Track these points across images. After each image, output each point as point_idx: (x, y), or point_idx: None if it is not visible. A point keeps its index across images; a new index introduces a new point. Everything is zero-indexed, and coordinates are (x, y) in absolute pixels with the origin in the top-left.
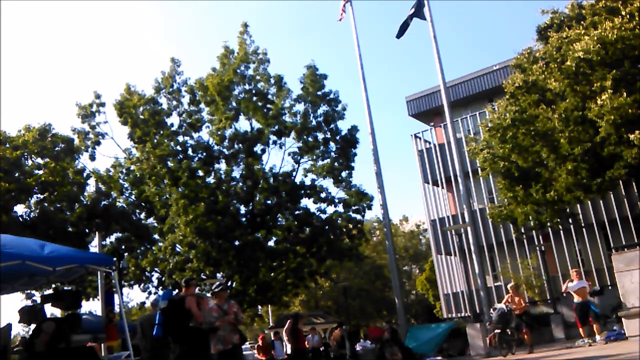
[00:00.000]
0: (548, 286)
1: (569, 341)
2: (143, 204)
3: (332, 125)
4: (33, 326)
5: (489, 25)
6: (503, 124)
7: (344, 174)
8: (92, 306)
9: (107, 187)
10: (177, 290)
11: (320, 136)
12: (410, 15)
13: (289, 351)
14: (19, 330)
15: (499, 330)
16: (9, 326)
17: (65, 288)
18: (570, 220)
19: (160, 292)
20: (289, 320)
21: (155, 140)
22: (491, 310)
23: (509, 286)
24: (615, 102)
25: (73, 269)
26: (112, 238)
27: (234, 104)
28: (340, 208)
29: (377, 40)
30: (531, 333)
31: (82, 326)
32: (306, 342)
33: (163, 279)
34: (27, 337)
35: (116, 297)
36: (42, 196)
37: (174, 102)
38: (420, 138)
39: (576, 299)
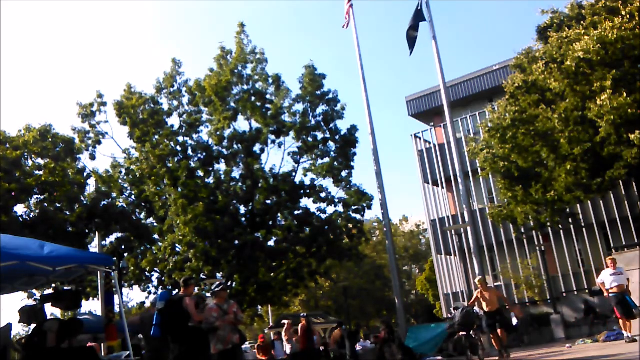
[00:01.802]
0: (548, 286)
1: (569, 341)
2: (143, 204)
3: (331, 125)
4: (33, 326)
5: (489, 25)
6: (503, 124)
7: (343, 173)
8: (92, 306)
9: (107, 187)
10: (176, 290)
11: (320, 136)
12: (411, 27)
13: (288, 351)
14: (19, 330)
15: (463, 333)
16: (9, 326)
17: (65, 288)
18: (570, 220)
19: (156, 293)
20: (288, 321)
21: (155, 140)
22: (452, 309)
23: (476, 280)
24: (615, 102)
25: (73, 269)
26: (112, 238)
27: (232, 104)
28: (340, 208)
29: (377, 40)
30: (507, 335)
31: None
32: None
33: (163, 279)
34: (26, 337)
35: (116, 297)
36: (42, 196)
37: (175, 103)
38: (420, 138)
39: (614, 290)
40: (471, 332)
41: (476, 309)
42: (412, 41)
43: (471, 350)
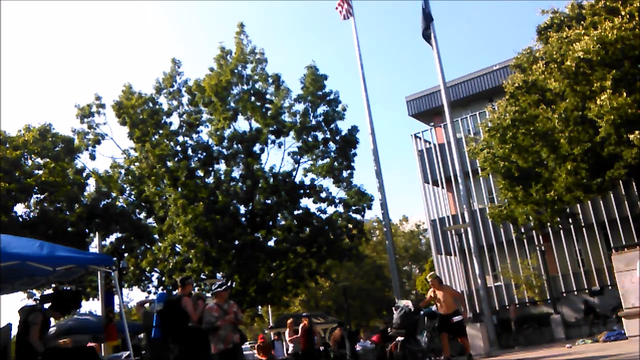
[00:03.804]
0: (548, 286)
1: (569, 341)
2: (143, 204)
3: (332, 125)
4: (18, 322)
5: (489, 25)
6: (503, 124)
7: (344, 173)
8: (92, 306)
9: (107, 187)
10: (175, 291)
11: (320, 136)
12: (425, 26)
13: (288, 351)
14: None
15: (401, 339)
16: (9, 326)
17: (65, 288)
18: (570, 220)
19: (157, 293)
20: (289, 320)
21: (155, 140)
22: (393, 308)
23: (428, 277)
24: (615, 102)
25: (73, 269)
26: (112, 238)
27: (232, 104)
28: (340, 208)
29: (377, 39)
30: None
31: (81, 304)
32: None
33: (163, 279)
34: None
35: (116, 297)
36: (42, 196)
37: (174, 103)
38: (420, 138)
39: None
40: (414, 338)
41: (435, 308)
42: (427, 38)
43: (411, 358)
